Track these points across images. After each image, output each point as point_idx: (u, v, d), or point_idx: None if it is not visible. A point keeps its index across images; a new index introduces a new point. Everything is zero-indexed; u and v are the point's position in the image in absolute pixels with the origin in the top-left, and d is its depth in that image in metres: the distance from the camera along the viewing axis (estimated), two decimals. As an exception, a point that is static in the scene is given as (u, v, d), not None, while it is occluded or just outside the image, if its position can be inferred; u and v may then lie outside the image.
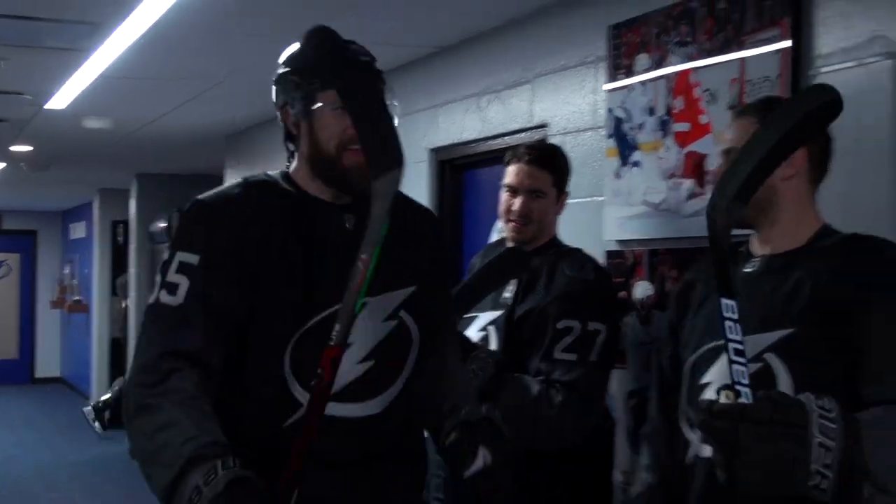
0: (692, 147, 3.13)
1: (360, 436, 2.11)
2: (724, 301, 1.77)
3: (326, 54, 2.09)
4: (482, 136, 4.31)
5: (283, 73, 2.19)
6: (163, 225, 9.78)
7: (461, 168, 4.70)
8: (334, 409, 2.01)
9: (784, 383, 1.98)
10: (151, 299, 2.03)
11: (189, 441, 1.79)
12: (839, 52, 2.68)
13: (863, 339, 2.00)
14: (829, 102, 1.89)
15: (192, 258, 2.03)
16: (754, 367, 2.08)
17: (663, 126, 3.22)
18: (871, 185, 2.51)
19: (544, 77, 3.90)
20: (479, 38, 4.36)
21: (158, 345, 1.96)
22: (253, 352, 2.08)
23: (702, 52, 3.09)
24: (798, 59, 2.79)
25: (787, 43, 2.79)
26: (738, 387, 1.74)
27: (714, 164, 3.04)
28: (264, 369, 2.09)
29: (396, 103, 2.09)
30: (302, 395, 2.04)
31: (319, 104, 2.09)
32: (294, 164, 2.22)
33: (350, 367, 2.06)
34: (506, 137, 4.09)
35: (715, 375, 2.16)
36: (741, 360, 1.76)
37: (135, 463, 1.92)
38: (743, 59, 2.94)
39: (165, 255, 2.08)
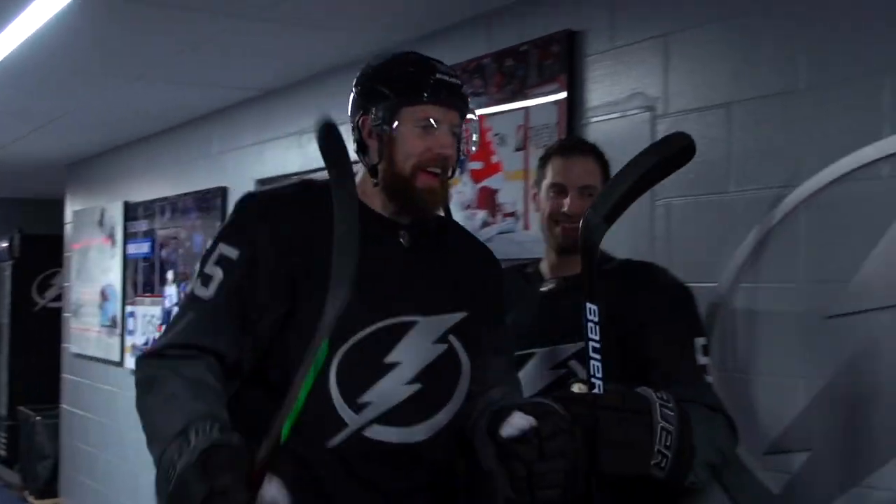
0: (485, 183, 3.26)
1: (402, 463, 1.85)
2: (589, 305, 1.79)
3: (419, 71, 1.84)
4: (303, 169, 4.29)
5: (370, 81, 1.88)
6: (4, 244, 9.22)
7: (284, 198, 4.63)
8: (378, 432, 1.81)
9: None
10: (189, 286, 1.83)
11: (184, 416, 1.60)
12: (606, 105, 2.81)
13: (650, 352, 2.17)
14: (686, 147, 1.93)
15: (233, 252, 1.80)
16: (560, 372, 2.16)
17: (461, 165, 3.26)
18: (635, 218, 2.58)
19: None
20: (301, 83, 4.39)
21: (182, 333, 1.76)
22: (297, 365, 1.69)
23: (492, 101, 3.21)
24: (573, 110, 2.93)
25: (563, 95, 2.93)
26: (594, 380, 1.76)
27: (504, 198, 3.13)
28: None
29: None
30: (347, 414, 1.79)
31: (402, 121, 1.81)
32: (359, 175, 1.87)
33: (397, 388, 1.83)
34: (324, 171, 4.04)
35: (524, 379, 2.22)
36: (597, 356, 1.77)
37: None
38: (527, 109, 3.07)
39: (211, 241, 1.86)
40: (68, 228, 7.41)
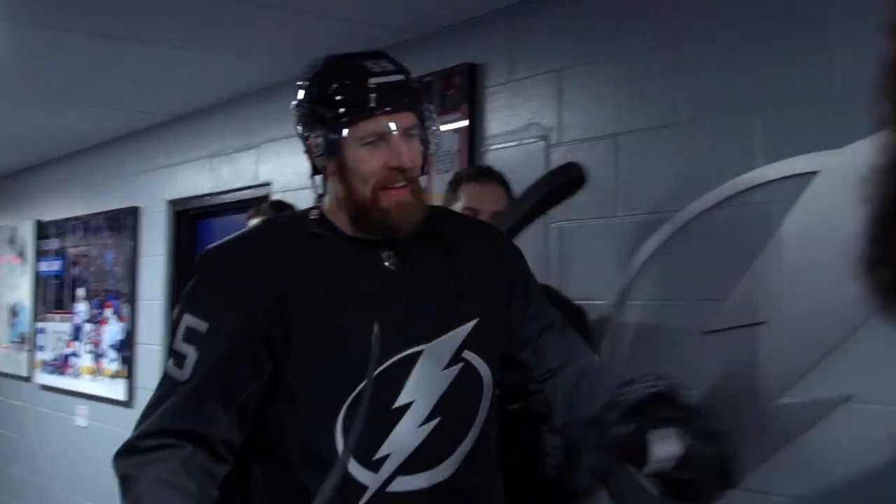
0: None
1: (438, 502, 1.56)
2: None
3: (353, 81, 1.51)
4: (214, 191, 4.22)
5: (305, 103, 1.55)
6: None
7: (195, 217, 4.57)
8: (404, 483, 1.52)
9: None
10: (166, 364, 1.55)
11: None
12: (504, 134, 2.83)
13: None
14: (578, 177, 1.94)
15: (201, 325, 1.50)
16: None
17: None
18: (529, 240, 2.60)
19: (269, 144, 3.91)
20: (212, 109, 4.35)
21: (159, 420, 1.49)
22: (296, 430, 1.53)
23: (397, 128, 3.15)
24: (473, 138, 2.95)
25: (465, 123, 2.97)
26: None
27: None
28: (313, 449, 1.52)
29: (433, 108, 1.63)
30: (364, 476, 1.50)
31: (348, 142, 1.49)
32: (326, 199, 1.58)
33: (411, 434, 1.53)
34: (235, 193, 4.03)
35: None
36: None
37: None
38: (429, 136, 3.02)
39: (176, 310, 1.58)
40: (-21, 246, 7.13)
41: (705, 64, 2.30)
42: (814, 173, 2.07)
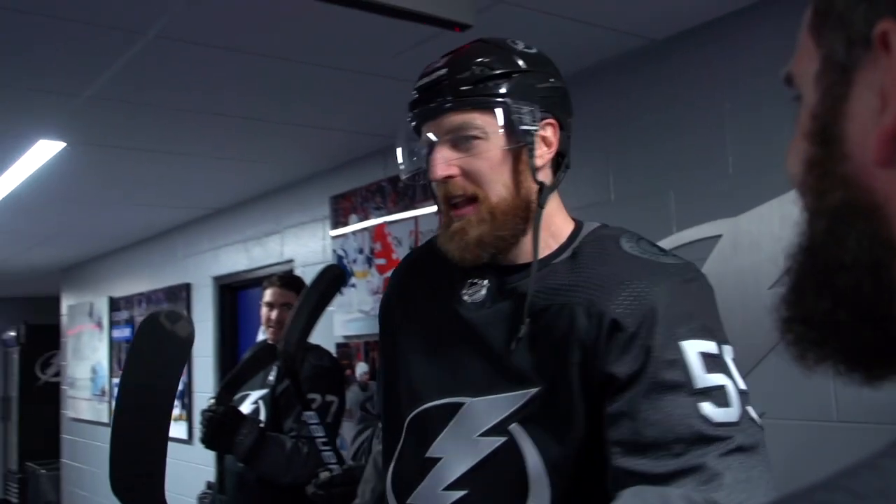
0: (387, 274, 3.23)
1: None
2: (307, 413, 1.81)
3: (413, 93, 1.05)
4: (249, 267, 4.22)
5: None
6: (12, 333, 8.83)
7: (235, 289, 4.55)
8: None
9: None
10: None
11: None
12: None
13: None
14: (339, 275, 1.95)
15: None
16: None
17: (369, 261, 3.28)
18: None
19: (290, 228, 3.91)
20: (244, 203, 4.35)
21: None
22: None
23: (390, 213, 3.20)
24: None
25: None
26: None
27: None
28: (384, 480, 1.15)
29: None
30: None
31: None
32: None
33: (432, 494, 1.03)
34: (265, 269, 4.02)
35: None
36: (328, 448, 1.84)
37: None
38: (416, 218, 3.06)
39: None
40: (64, 319, 7.12)
41: (629, 155, 2.33)
42: (718, 236, 2.09)
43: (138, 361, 1.59)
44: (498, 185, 1.01)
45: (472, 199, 1.00)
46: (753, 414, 0.90)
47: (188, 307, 4.84)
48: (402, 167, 1.09)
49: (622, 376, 0.91)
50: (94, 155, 3.32)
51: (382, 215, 3.23)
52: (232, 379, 2.67)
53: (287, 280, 2.99)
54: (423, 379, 1.07)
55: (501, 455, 0.98)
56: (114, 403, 6.06)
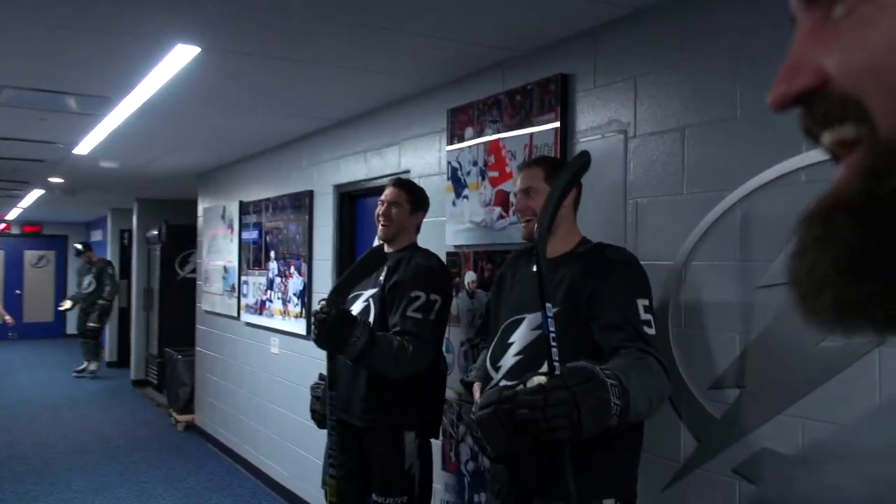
0: (501, 187, 3.18)
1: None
2: (548, 305, 1.80)
3: None
4: (367, 177, 4.26)
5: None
6: (154, 232, 9.35)
7: (354, 198, 4.61)
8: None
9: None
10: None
11: None
12: (590, 129, 2.74)
13: (597, 310, 2.04)
14: (586, 163, 1.90)
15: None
16: (539, 332, 2.12)
17: (482, 173, 3.23)
18: (611, 212, 2.55)
19: (407, 141, 3.88)
20: (364, 115, 4.34)
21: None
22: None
23: (505, 127, 3.13)
24: (565, 133, 2.84)
25: (558, 123, 2.84)
26: (555, 362, 1.77)
27: (514, 198, 3.06)
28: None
29: None
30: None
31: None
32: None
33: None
34: (382, 179, 4.04)
35: (516, 337, 2.19)
36: (555, 344, 1.77)
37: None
38: (531, 133, 2.96)
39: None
40: (200, 221, 7.41)
41: (756, 69, 2.16)
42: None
43: None
44: None
45: None
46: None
47: (310, 213, 4.97)
48: None
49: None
50: (227, 60, 3.37)
51: (498, 130, 3.16)
52: (343, 282, 2.73)
53: (402, 181, 3.06)
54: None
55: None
56: (243, 299, 6.35)
